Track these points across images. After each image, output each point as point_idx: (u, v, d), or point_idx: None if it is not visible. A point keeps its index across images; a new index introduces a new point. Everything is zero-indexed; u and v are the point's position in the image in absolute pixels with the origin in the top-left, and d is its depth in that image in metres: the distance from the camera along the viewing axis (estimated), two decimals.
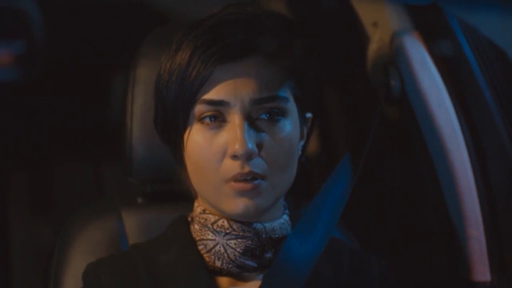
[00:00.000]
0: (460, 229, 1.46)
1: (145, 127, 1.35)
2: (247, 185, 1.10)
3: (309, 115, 1.19)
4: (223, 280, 1.17)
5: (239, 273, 1.16)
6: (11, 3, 1.93)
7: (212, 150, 1.11)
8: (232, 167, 1.10)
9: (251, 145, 1.08)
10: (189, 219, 1.21)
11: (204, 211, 1.17)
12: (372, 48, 1.52)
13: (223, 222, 1.15)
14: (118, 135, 1.40)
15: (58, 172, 2.12)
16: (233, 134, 1.09)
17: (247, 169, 1.09)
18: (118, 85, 1.72)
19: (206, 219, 1.16)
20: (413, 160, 1.56)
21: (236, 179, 1.10)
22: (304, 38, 1.17)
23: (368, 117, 1.40)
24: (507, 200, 1.44)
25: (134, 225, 1.38)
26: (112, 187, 2.06)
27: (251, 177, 1.10)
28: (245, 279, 1.17)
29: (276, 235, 1.16)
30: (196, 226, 1.18)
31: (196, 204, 1.20)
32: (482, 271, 1.44)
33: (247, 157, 1.09)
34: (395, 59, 1.47)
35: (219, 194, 1.11)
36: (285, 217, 1.19)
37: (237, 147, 1.08)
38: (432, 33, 1.47)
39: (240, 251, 1.14)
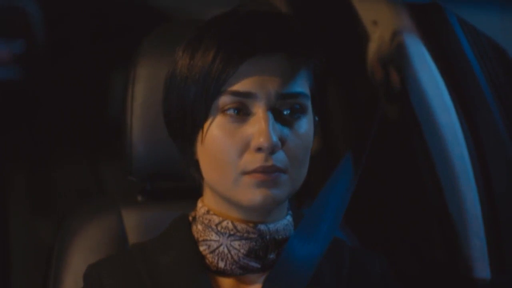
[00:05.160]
0: (460, 227, 1.46)
1: (145, 125, 1.35)
2: (268, 176, 1.09)
3: (316, 118, 1.19)
4: (226, 281, 1.16)
5: (242, 274, 1.15)
6: (11, 2, 1.93)
7: (234, 142, 1.10)
8: (254, 159, 1.09)
9: (275, 139, 1.08)
10: (190, 218, 1.20)
11: (208, 212, 1.16)
12: (372, 47, 1.52)
13: (227, 223, 1.14)
14: (118, 133, 1.40)
15: (58, 170, 2.12)
16: (258, 127, 1.09)
17: (270, 162, 1.09)
18: (119, 84, 1.72)
19: (210, 220, 1.16)
20: (413, 157, 1.56)
21: (257, 171, 1.09)
22: (318, 37, 1.17)
23: (368, 115, 1.40)
24: (506, 197, 1.44)
25: (134, 223, 1.38)
26: (112, 185, 2.06)
27: (272, 170, 1.10)
28: (248, 281, 1.16)
29: (280, 236, 1.16)
30: (200, 227, 1.17)
31: (199, 205, 1.19)
32: (482, 268, 1.44)
33: (271, 150, 1.08)
34: (395, 57, 1.48)
35: (237, 186, 1.10)
36: (289, 217, 1.19)
37: (262, 140, 1.08)
38: (432, 31, 1.47)
39: (244, 252, 1.14)
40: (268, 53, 1.10)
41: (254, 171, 1.09)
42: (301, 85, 1.12)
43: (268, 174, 1.09)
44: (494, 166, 1.45)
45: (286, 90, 1.10)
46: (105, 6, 2.02)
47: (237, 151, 1.10)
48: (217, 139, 1.11)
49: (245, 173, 1.10)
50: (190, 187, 1.23)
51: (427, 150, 1.49)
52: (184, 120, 1.14)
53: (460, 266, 1.47)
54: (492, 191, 1.45)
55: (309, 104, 1.14)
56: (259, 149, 1.09)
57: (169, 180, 1.39)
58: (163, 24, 1.44)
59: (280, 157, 1.10)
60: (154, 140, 1.34)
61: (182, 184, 1.30)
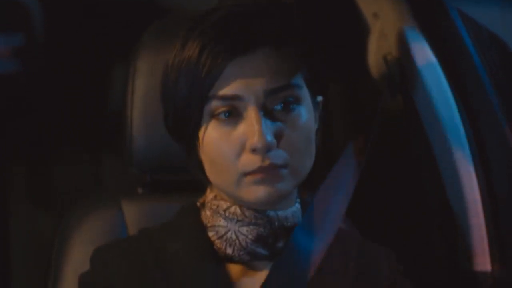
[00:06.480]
0: (461, 221, 1.46)
1: (145, 118, 1.36)
2: (268, 174, 1.09)
3: (319, 98, 1.19)
4: (234, 268, 1.16)
5: (249, 261, 1.16)
6: None
7: (230, 145, 1.10)
8: (252, 161, 1.09)
9: (270, 137, 1.08)
10: (198, 205, 1.20)
11: (215, 197, 1.17)
12: (373, 40, 1.52)
13: (235, 209, 1.14)
14: (119, 126, 1.40)
15: (59, 163, 2.12)
16: (251, 128, 1.08)
17: (267, 162, 1.09)
18: (119, 77, 1.72)
19: (218, 206, 1.16)
20: (414, 152, 1.56)
21: (256, 171, 1.09)
22: (308, 20, 1.16)
23: (369, 110, 1.40)
24: (507, 191, 1.44)
25: (134, 215, 1.38)
26: (113, 178, 2.06)
27: (270, 169, 1.09)
28: (255, 268, 1.17)
29: (289, 224, 1.16)
30: (208, 212, 1.17)
31: (208, 191, 1.19)
32: (482, 261, 1.44)
33: (267, 149, 1.08)
34: (395, 51, 1.47)
35: (240, 186, 1.11)
36: (297, 205, 1.19)
37: (255, 141, 1.07)
38: (433, 24, 1.47)
39: (252, 238, 1.14)
40: (253, 50, 1.09)
41: (254, 171, 1.09)
42: (291, 76, 1.11)
43: (268, 172, 1.09)
44: (495, 160, 1.45)
45: (275, 85, 1.10)
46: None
47: (234, 153, 1.10)
48: (213, 143, 1.11)
49: (246, 173, 1.10)
50: (191, 179, 1.24)
51: (428, 144, 1.49)
52: (179, 124, 1.14)
53: (460, 259, 1.47)
54: (493, 185, 1.45)
55: (303, 93, 1.13)
56: (254, 150, 1.08)
57: (170, 172, 1.39)
58: (163, 17, 1.44)
59: (278, 154, 1.10)
60: (154, 133, 1.35)
61: (183, 176, 1.30)
